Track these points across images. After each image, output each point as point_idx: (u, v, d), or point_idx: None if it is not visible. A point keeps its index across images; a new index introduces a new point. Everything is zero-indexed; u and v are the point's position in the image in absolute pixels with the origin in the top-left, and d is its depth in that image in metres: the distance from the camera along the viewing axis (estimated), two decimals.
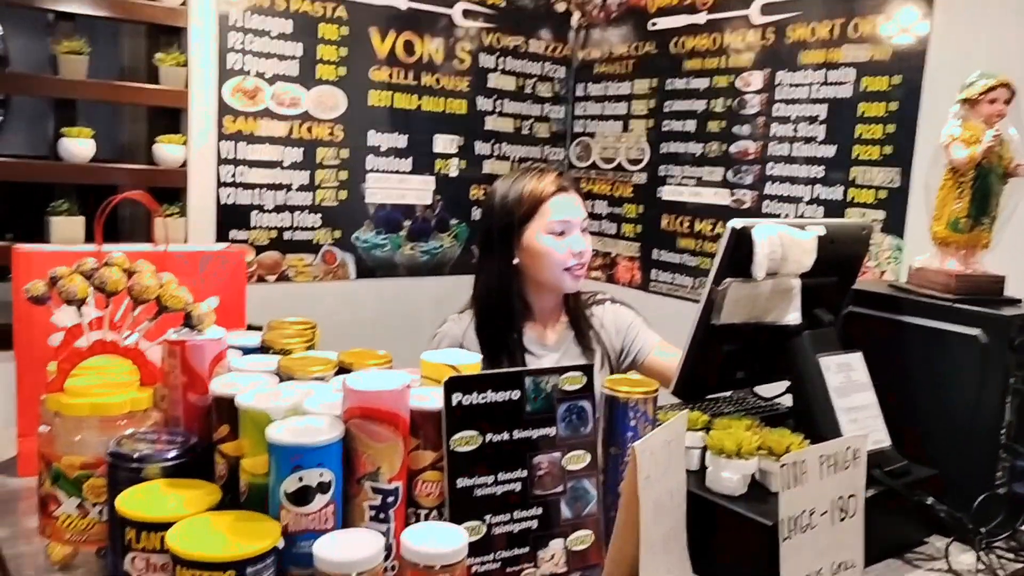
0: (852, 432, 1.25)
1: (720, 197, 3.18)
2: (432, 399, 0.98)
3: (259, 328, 1.44)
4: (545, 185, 1.83)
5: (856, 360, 1.34)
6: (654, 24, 3.46)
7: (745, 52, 3.08)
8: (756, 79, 3.04)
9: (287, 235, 3.16)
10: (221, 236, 3.01)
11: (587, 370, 1.08)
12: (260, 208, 3.09)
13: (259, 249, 3.10)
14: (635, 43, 3.55)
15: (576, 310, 1.95)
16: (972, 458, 1.35)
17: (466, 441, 0.98)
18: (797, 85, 2.89)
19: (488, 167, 3.68)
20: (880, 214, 2.62)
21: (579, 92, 3.86)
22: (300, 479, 0.89)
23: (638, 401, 1.13)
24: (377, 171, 3.35)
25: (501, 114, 3.69)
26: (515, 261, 1.85)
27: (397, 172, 3.41)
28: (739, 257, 1.22)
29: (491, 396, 1.00)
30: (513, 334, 1.86)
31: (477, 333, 1.88)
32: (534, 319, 1.92)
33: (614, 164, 3.68)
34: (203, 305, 1.17)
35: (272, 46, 3.03)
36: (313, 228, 3.22)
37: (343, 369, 1.19)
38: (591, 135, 3.81)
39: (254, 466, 0.95)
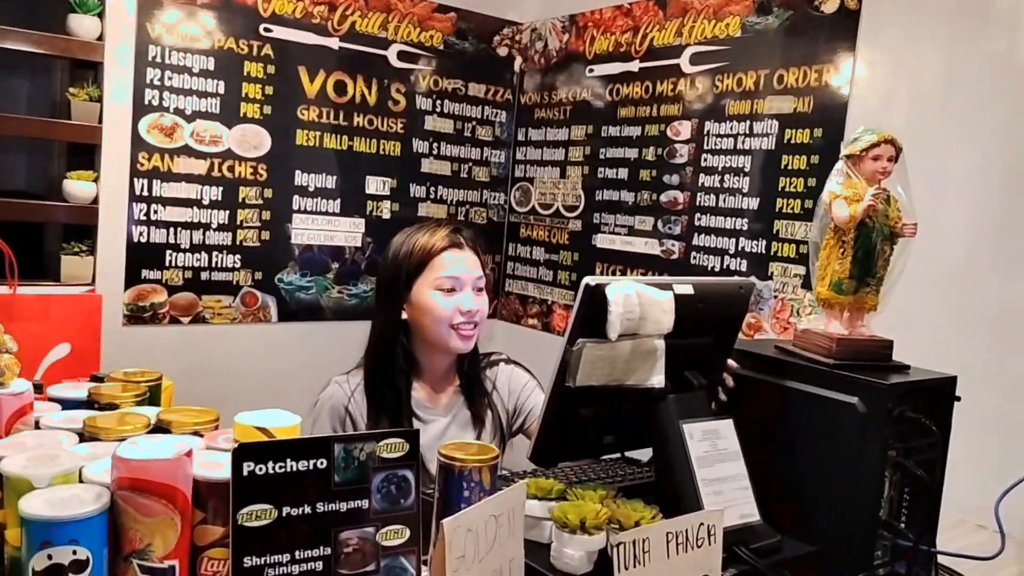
0: (714, 505, 1.17)
1: (650, 247, 3.13)
2: (222, 468, 0.89)
3: (101, 380, 1.35)
4: (436, 240, 1.78)
5: (725, 427, 1.26)
6: (591, 71, 3.43)
7: (675, 101, 3.05)
8: (685, 128, 3.00)
9: (204, 275, 3.06)
10: (132, 275, 2.90)
11: (411, 436, 1.00)
12: (176, 247, 2.98)
13: (173, 289, 3.00)
14: (573, 89, 3.52)
15: (470, 374, 1.87)
16: (850, 535, 1.28)
17: (256, 515, 0.88)
18: (724, 136, 2.86)
19: (424, 210, 3.61)
20: (801, 269, 2.57)
21: (520, 136, 3.82)
22: (49, 557, 0.80)
23: (472, 470, 1.05)
24: (304, 211, 3.27)
25: (438, 156, 3.63)
26: (403, 316, 1.79)
27: (325, 213, 3.32)
28: (593, 316, 1.14)
29: (291, 465, 0.91)
30: (400, 394, 1.78)
31: (366, 392, 1.80)
32: (424, 380, 1.84)
33: (552, 210, 3.63)
34: (5, 356, 1.08)
35: (193, 83, 2.95)
36: (233, 269, 3.12)
37: (160, 428, 1.10)
38: (531, 180, 3.76)
39: (15, 538, 0.86)
